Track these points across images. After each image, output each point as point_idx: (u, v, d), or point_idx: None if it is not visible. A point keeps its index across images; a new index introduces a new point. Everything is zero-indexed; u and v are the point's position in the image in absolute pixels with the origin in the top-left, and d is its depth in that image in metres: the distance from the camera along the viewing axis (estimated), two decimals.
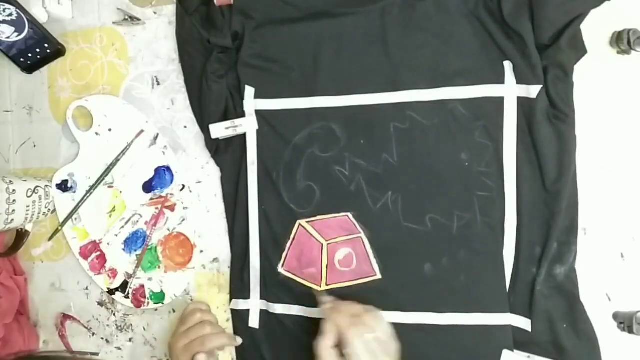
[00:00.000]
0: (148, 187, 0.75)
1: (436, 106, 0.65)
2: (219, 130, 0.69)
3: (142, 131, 0.75)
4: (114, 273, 0.76)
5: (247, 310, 0.71)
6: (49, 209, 0.78)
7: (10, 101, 0.82)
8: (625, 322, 0.61)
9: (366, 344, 0.54)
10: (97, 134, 0.76)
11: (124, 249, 0.76)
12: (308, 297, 0.69)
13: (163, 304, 0.75)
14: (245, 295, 0.71)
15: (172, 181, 0.74)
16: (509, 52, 0.63)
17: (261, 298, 0.71)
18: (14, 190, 0.70)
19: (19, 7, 0.73)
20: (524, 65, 0.62)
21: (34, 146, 0.81)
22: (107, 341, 0.78)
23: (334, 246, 0.68)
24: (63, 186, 0.78)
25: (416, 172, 0.66)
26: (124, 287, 0.76)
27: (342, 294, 0.67)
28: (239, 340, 0.70)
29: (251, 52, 0.70)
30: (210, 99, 0.70)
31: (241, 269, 0.71)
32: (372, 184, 0.67)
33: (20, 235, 0.79)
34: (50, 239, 0.79)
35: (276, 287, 0.70)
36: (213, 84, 0.69)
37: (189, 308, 0.69)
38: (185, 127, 0.75)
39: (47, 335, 0.81)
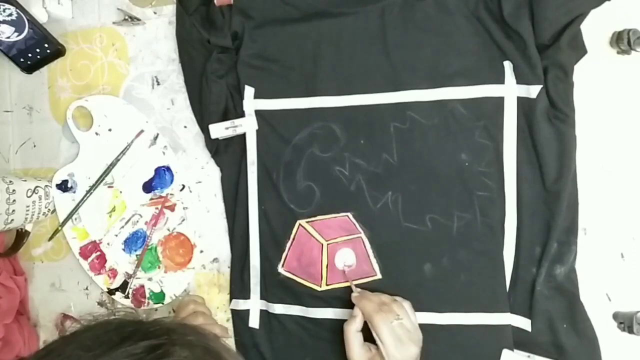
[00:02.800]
0: (148, 187, 0.75)
1: (436, 106, 0.65)
2: (218, 130, 0.69)
3: (142, 131, 0.75)
4: (114, 273, 0.76)
5: (247, 310, 0.71)
6: (49, 209, 0.78)
7: (10, 101, 0.82)
8: (625, 322, 0.61)
9: (392, 330, 0.57)
10: (97, 134, 0.76)
11: (124, 249, 0.76)
12: (308, 297, 0.69)
13: (163, 304, 0.75)
14: (245, 295, 0.71)
15: (172, 181, 0.74)
16: (509, 52, 0.62)
17: (261, 298, 0.71)
18: (14, 190, 0.70)
19: (19, 7, 0.73)
20: (524, 65, 0.62)
21: (34, 146, 0.81)
22: None
23: (334, 246, 0.68)
24: (63, 186, 0.78)
25: (416, 172, 0.66)
26: (124, 287, 0.76)
27: (343, 294, 0.67)
28: (230, 333, 0.71)
29: (251, 52, 0.70)
30: (210, 99, 0.70)
31: (241, 269, 0.71)
32: (372, 184, 0.67)
33: (20, 235, 0.79)
34: (50, 239, 0.79)
35: (276, 287, 0.70)
36: (213, 84, 0.69)
37: (184, 300, 0.70)
38: (185, 127, 0.75)
39: (47, 335, 0.81)
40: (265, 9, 0.69)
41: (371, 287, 0.66)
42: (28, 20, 0.74)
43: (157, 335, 0.33)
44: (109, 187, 0.76)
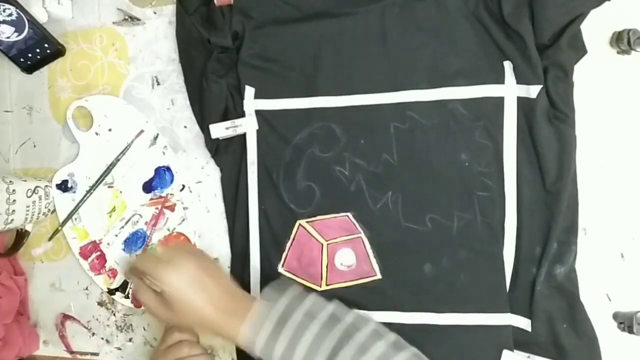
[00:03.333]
0: (148, 187, 0.75)
1: (436, 106, 0.65)
2: (219, 130, 0.69)
3: (142, 131, 0.75)
4: (114, 273, 0.76)
5: None
6: (49, 209, 0.78)
7: (10, 101, 0.82)
8: (625, 322, 0.61)
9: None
10: (97, 134, 0.76)
11: (124, 249, 0.76)
12: None
13: None
14: None
15: (172, 181, 0.74)
16: (509, 52, 0.62)
17: None
18: (14, 190, 0.70)
19: (19, 7, 0.73)
20: (524, 65, 0.62)
21: (34, 146, 0.81)
22: (107, 341, 0.78)
23: (334, 246, 0.68)
24: (63, 186, 0.78)
25: (416, 172, 0.66)
26: (124, 287, 0.76)
27: (343, 294, 0.67)
28: None
29: (251, 52, 0.70)
30: (210, 99, 0.70)
31: (241, 269, 0.71)
32: (372, 184, 0.67)
33: (20, 235, 0.79)
34: (50, 239, 0.79)
35: None
36: (213, 84, 0.69)
37: (168, 325, 0.66)
38: (185, 127, 0.75)
39: (47, 335, 0.81)
40: (266, 9, 0.69)
41: (371, 287, 0.66)
42: (28, 20, 0.74)
43: None
44: (109, 187, 0.76)
